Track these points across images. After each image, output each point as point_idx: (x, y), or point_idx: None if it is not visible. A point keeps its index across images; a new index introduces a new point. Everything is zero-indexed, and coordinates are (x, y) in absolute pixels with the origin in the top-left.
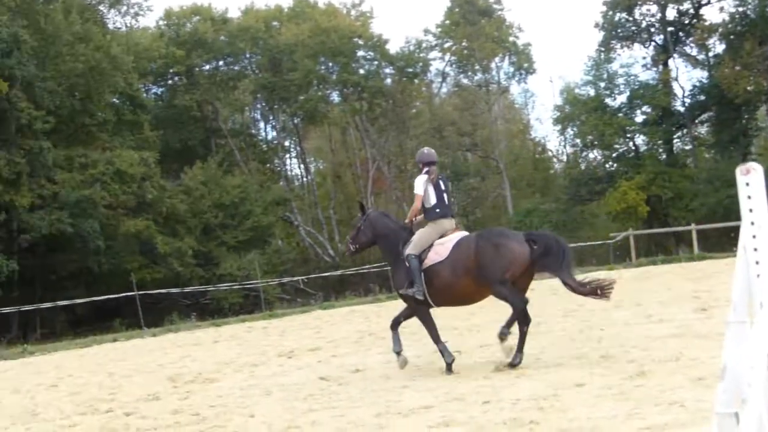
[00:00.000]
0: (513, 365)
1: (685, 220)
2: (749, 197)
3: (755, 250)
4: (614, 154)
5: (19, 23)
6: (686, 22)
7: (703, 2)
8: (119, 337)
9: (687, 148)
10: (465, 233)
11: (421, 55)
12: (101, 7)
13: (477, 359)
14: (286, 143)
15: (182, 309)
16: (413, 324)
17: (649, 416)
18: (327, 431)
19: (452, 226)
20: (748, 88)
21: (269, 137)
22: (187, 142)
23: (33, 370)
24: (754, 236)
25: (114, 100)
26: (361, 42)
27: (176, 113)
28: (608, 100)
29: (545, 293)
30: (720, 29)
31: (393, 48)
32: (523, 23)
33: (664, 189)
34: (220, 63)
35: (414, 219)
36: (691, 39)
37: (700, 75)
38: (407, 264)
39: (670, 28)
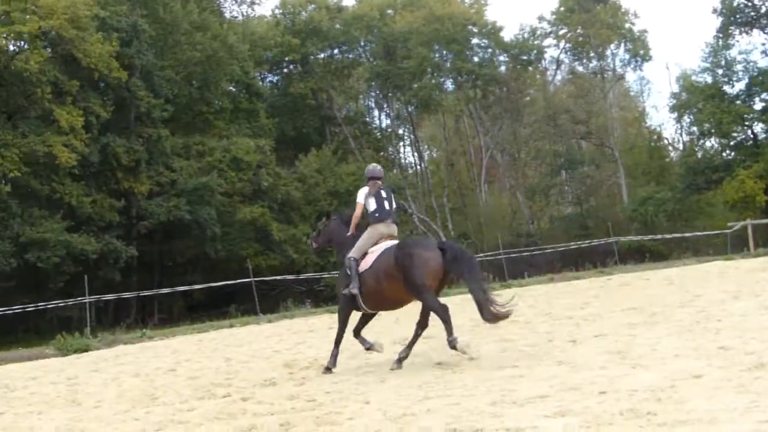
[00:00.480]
0: (399, 360)
1: None
2: None
3: None
4: (732, 143)
5: (139, 13)
6: None
7: None
8: (235, 322)
9: None
10: (393, 243)
11: (536, 42)
12: None
13: (593, 348)
14: (400, 131)
15: (297, 295)
16: (526, 313)
17: None
18: (442, 419)
19: (389, 229)
20: None
21: (383, 125)
22: (302, 130)
23: (152, 354)
24: None
25: (230, 88)
26: (475, 29)
27: (291, 101)
28: (726, 88)
29: (661, 283)
30: None
31: (507, 35)
32: (639, 9)
33: None
34: (335, 51)
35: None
36: None
37: None
38: (347, 265)
39: None
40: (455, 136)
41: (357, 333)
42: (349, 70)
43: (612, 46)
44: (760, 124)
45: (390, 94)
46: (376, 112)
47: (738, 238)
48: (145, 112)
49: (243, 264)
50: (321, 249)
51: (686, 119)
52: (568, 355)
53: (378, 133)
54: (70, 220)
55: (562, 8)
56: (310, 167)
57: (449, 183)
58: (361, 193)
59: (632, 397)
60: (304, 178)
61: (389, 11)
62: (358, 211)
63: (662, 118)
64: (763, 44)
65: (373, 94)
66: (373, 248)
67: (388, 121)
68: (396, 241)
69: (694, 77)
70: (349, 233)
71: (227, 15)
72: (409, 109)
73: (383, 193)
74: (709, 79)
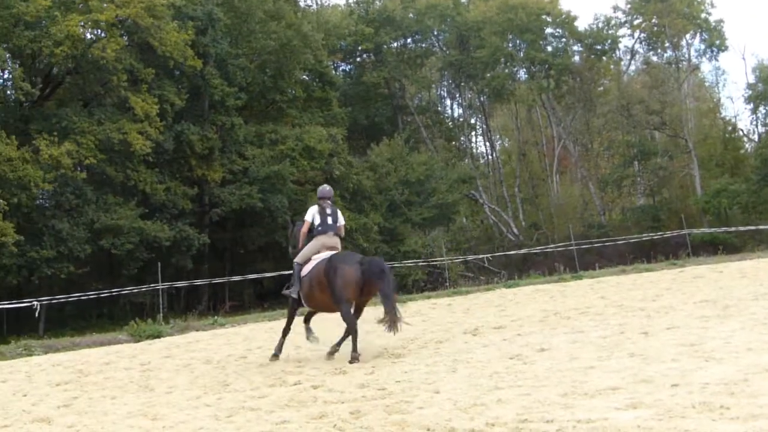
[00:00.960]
0: (350, 361)
1: None
2: None
3: None
4: None
5: (214, 2)
6: None
7: None
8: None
9: None
10: (330, 253)
11: (610, 32)
12: None
13: (665, 341)
14: (472, 121)
15: None
16: (597, 305)
17: None
18: (512, 410)
19: (330, 240)
20: None
21: (455, 114)
22: (374, 119)
23: (223, 341)
24: None
25: (304, 77)
26: (549, 19)
27: (364, 90)
28: None
29: (735, 276)
30: None
31: (581, 25)
32: None
33: None
34: (408, 40)
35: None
36: None
37: None
38: (294, 269)
39: None
40: (527, 126)
41: (306, 320)
42: (422, 60)
43: (687, 35)
44: None
45: (462, 84)
46: (448, 102)
47: None
48: (218, 101)
49: None
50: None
51: (762, 110)
52: (639, 347)
53: (450, 123)
54: (144, 207)
55: None
56: (381, 156)
57: (521, 173)
58: (309, 212)
59: (705, 390)
60: (376, 167)
61: (463, 0)
62: (305, 228)
63: (737, 109)
64: None
65: (445, 83)
66: (315, 256)
67: (460, 111)
68: (332, 252)
69: None
70: (299, 245)
71: (302, 4)
72: (482, 99)
73: (328, 210)
74: None
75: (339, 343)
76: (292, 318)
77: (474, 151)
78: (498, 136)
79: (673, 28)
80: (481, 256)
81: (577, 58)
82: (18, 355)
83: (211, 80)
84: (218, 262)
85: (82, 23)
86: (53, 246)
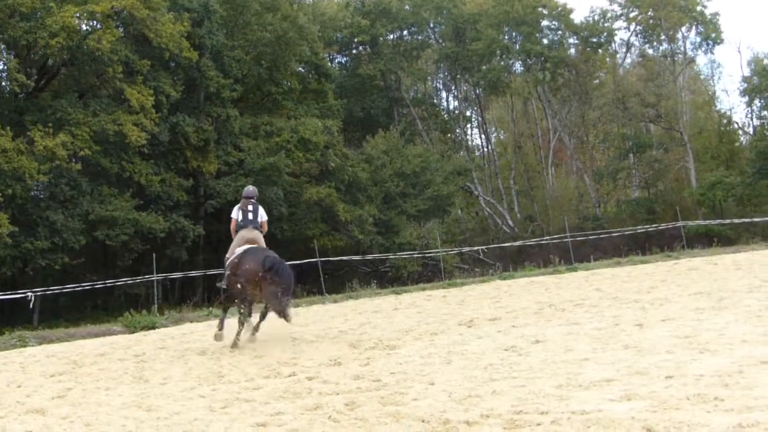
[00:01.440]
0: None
1: None
2: None
3: None
4: None
5: None
6: None
7: None
8: (301, 302)
9: None
10: (246, 247)
11: (606, 24)
12: None
13: (660, 333)
14: (468, 113)
15: (362, 276)
16: (592, 297)
17: None
18: (507, 401)
19: (250, 234)
20: None
21: (451, 107)
22: (370, 111)
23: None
24: None
25: (299, 69)
26: (545, 11)
27: (360, 82)
28: None
29: (729, 268)
30: None
31: (577, 18)
32: None
33: None
34: (404, 32)
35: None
36: None
37: None
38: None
39: None
40: (523, 119)
41: (225, 309)
42: (418, 52)
43: (683, 28)
44: None
45: (458, 76)
46: (443, 94)
47: None
48: (214, 92)
49: (309, 244)
50: None
51: (757, 103)
52: (634, 339)
53: (445, 115)
54: (139, 199)
55: None
56: (377, 148)
57: (516, 165)
58: (234, 210)
59: (699, 382)
60: (371, 159)
61: None
62: (232, 224)
63: (733, 102)
64: None
65: (441, 75)
66: (237, 249)
67: (456, 103)
68: (248, 246)
69: (766, 61)
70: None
71: None
72: (477, 91)
73: (249, 208)
74: None
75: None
76: (226, 310)
77: (469, 143)
78: (493, 129)
79: (669, 20)
80: (476, 248)
81: (572, 50)
82: (12, 346)
83: (207, 72)
84: (213, 254)
85: (78, 14)
86: (48, 237)
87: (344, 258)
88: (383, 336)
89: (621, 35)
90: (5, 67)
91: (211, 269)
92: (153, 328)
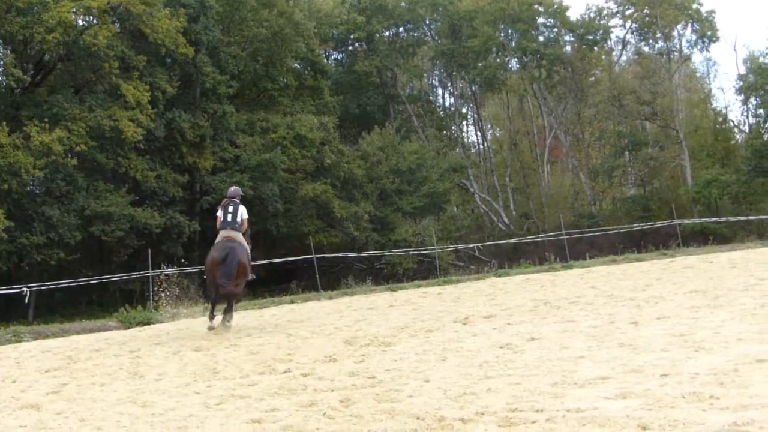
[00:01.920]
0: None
1: None
2: None
3: None
4: None
5: None
6: None
7: None
8: (296, 299)
9: None
10: (218, 241)
11: (602, 22)
12: None
13: (655, 331)
14: (464, 110)
15: (357, 273)
16: (587, 295)
17: None
18: (502, 399)
19: (228, 233)
20: None
21: (447, 104)
22: (366, 108)
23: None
24: None
25: (295, 65)
26: (541, 9)
27: (356, 79)
28: None
29: (725, 266)
30: None
31: (573, 15)
32: None
33: None
34: (400, 29)
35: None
36: None
37: None
38: None
39: None
40: (519, 116)
41: (212, 301)
42: (414, 49)
43: (679, 26)
44: None
45: (454, 73)
46: (439, 91)
47: None
48: (210, 88)
49: (304, 240)
50: None
51: (753, 101)
52: (629, 337)
53: (441, 112)
54: (135, 195)
55: None
56: (373, 145)
57: (512, 162)
58: (219, 209)
59: (694, 380)
60: (367, 156)
61: None
62: (217, 222)
63: (728, 100)
64: None
65: (437, 72)
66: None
67: (452, 100)
68: (219, 240)
69: (761, 59)
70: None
71: None
72: (473, 88)
73: (230, 208)
74: None
75: (226, 318)
76: (210, 298)
77: (465, 140)
78: (489, 126)
79: (665, 18)
80: (471, 245)
81: (568, 48)
82: (7, 342)
83: (203, 68)
84: (209, 250)
85: (74, 10)
86: (43, 232)
87: (340, 254)
88: (378, 333)
89: (617, 33)
90: (2, 62)
91: None
92: (148, 324)
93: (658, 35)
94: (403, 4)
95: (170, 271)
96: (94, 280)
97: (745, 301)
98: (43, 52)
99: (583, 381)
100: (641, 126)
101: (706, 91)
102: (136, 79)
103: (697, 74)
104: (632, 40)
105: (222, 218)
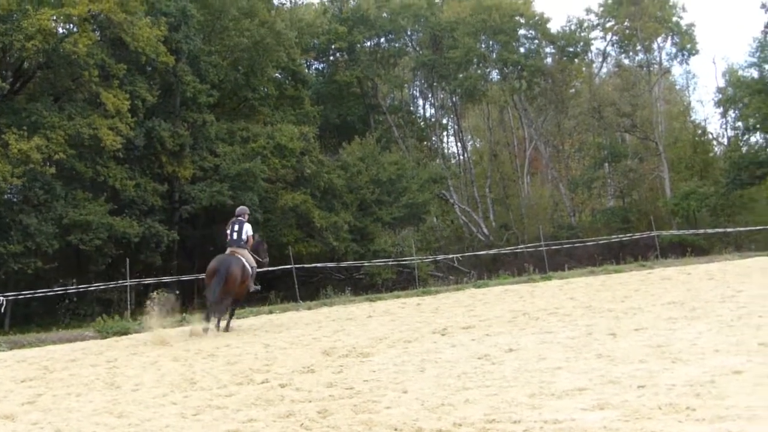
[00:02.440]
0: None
1: None
2: None
3: None
4: None
5: None
6: None
7: None
8: (275, 309)
9: None
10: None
11: (583, 34)
12: None
13: (633, 342)
14: (444, 121)
15: (336, 283)
16: (566, 306)
17: None
18: (480, 410)
19: (233, 249)
20: None
21: (427, 114)
22: (347, 118)
23: (191, 338)
24: None
25: (276, 75)
26: (522, 20)
27: (336, 89)
28: None
29: (702, 278)
30: None
31: (554, 27)
32: (687, 3)
33: None
34: (382, 40)
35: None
36: None
37: None
38: None
39: None
40: (499, 127)
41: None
42: (395, 59)
43: (659, 39)
44: None
45: (435, 84)
46: (420, 102)
47: None
48: (190, 97)
49: (283, 250)
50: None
51: (732, 114)
52: (607, 348)
53: (422, 123)
54: (113, 203)
55: (610, 0)
56: (353, 155)
57: (492, 174)
58: (227, 227)
59: (671, 391)
60: (347, 166)
61: (437, 1)
62: (227, 238)
63: (707, 113)
64: None
65: (418, 83)
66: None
67: (433, 111)
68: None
69: (740, 72)
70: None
71: (275, 2)
72: (454, 99)
73: (235, 227)
74: (756, 74)
75: (220, 324)
76: (209, 307)
77: (445, 151)
78: (469, 137)
79: (645, 31)
80: (450, 256)
81: (549, 59)
82: None
83: (184, 77)
84: (187, 260)
85: (54, 17)
86: (21, 241)
87: (319, 265)
88: (357, 343)
89: (597, 45)
90: None
91: (184, 275)
92: (125, 333)
93: (638, 48)
94: (384, 14)
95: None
96: (72, 290)
97: (722, 312)
98: (22, 60)
99: (561, 392)
100: (621, 138)
101: (685, 103)
102: (116, 88)
103: (677, 87)
104: (612, 53)
105: (228, 236)
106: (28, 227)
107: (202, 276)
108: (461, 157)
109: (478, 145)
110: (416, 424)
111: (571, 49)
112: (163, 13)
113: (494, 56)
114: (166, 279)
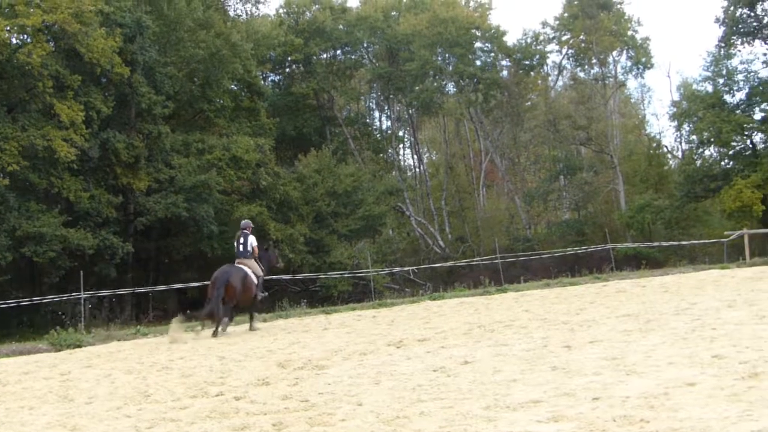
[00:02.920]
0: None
1: None
2: None
3: None
4: (731, 152)
5: (143, 9)
6: None
7: None
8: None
9: None
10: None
11: (539, 47)
12: None
13: (587, 354)
14: (400, 133)
15: (292, 295)
16: (521, 318)
17: (761, 418)
18: (435, 422)
19: (239, 261)
20: None
21: (383, 127)
22: (302, 130)
23: (145, 351)
24: None
25: (232, 86)
26: (478, 33)
27: (293, 101)
28: (727, 97)
29: (657, 291)
30: None
31: (510, 40)
32: (642, 17)
33: None
34: (338, 52)
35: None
36: None
37: None
38: None
39: None
40: (455, 140)
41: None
42: (352, 71)
43: (614, 53)
44: (760, 134)
45: (391, 96)
46: (376, 114)
47: (734, 247)
48: (146, 109)
49: None
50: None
51: (686, 128)
52: (562, 360)
53: (378, 135)
54: (68, 215)
55: (565, 14)
56: (309, 167)
57: (448, 186)
58: (235, 241)
59: (625, 403)
60: (303, 178)
61: (393, 13)
62: (235, 250)
63: (662, 126)
64: (765, 54)
65: (374, 95)
66: None
67: (389, 123)
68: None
69: (695, 86)
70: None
71: (231, 13)
72: (410, 112)
73: (241, 240)
74: (710, 88)
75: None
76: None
77: (402, 163)
78: (426, 149)
79: (601, 45)
80: (406, 269)
81: (505, 72)
82: None
83: (139, 88)
84: (142, 272)
85: (8, 28)
86: None
87: (274, 277)
88: (312, 356)
89: (553, 58)
90: None
91: (140, 287)
92: (79, 346)
93: (594, 61)
94: (341, 26)
95: (103, 293)
96: (25, 302)
97: (677, 325)
98: None
99: (516, 404)
100: (576, 151)
101: (640, 117)
102: (70, 99)
103: (632, 100)
104: (568, 66)
105: (236, 249)
106: None
107: (159, 288)
108: (417, 170)
109: (434, 158)
110: None
111: (527, 62)
112: (119, 24)
113: (450, 69)
114: (121, 291)
